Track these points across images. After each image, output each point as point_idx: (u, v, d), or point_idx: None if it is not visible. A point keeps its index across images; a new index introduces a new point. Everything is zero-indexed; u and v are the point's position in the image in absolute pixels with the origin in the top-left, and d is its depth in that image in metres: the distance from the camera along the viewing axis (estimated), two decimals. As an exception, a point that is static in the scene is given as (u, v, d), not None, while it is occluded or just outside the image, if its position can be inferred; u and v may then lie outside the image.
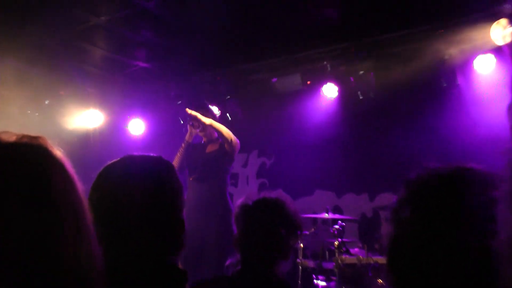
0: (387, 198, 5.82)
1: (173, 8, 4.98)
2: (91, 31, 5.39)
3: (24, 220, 0.85)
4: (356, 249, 4.85)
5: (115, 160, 1.52)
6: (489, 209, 1.00)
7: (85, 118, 6.82)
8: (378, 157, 6.06)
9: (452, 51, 5.19)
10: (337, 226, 4.66)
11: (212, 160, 4.86)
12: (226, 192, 4.86)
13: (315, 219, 5.80)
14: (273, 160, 7.05)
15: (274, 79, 6.20)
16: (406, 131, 5.81)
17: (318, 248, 5.13)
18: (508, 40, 4.72)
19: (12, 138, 0.94)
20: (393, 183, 1.20)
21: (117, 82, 6.78)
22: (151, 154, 1.56)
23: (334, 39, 5.58)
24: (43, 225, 0.86)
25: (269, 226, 2.21)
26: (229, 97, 6.40)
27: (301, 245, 4.87)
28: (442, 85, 5.49)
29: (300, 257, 4.87)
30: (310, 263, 4.96)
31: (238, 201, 2.34)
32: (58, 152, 0.97)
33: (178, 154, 4.91)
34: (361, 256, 4.55)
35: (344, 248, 4.67)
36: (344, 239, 4.71)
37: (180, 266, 1.48)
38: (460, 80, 5.39)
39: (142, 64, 6.34)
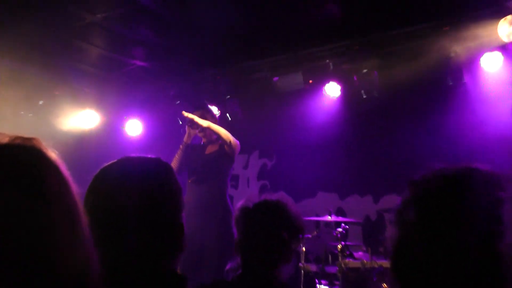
0: (391, 200, 5.81)
1: (171, 5, 4.98)
2: (87, 29, 5.40)
3: (17, 223, 0.85)
4: (360, 253, 4.85)
5: (112, 162, 1.52)
6: (496, 210, 1.00)
7: (80, 118, 6.82)
8: (382, 158, 6.06)
9: (458, 48, 5.19)
10: (340, 229, 4.66)
11: (212, 162, 4.86)
12: (226, 194, 4.86)
13: (317, 222, 5.80)
14: (274, 161, 7.05)
15: (275, 78, 6.20)
16: (411, 131, 5.81)
17: (320, 252, 5.13)
18: (515, 37, 4.73)
19: (5, 140, 0.94)
20: (398, 185, 1.20)
21: (114, 82, 6.78)
22: (149, 156, 1.56)
23: (337, 36, 5.58)
24: (37, 229, 0.86)
25: (271, 229, 2.21)
26: (229, 96, 6.40)
27: (303, 248, 4.87)
28: (448, 84, 5.50)
29: (302, 261, 4.87)
30: (313, 267, 4.96)
31: (239, 203, 2.34)
32: (53, 154, 0.97)
33: (176, 156, 4.91)
34: (365, 260, 4.55)
35: (347, 252, 4.67)
36: (347, 243, 4.72)
37: (179, 270, 1.48)
38: (466, 78, 5.39)
39: (139, 63, 6.34)
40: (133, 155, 1.56)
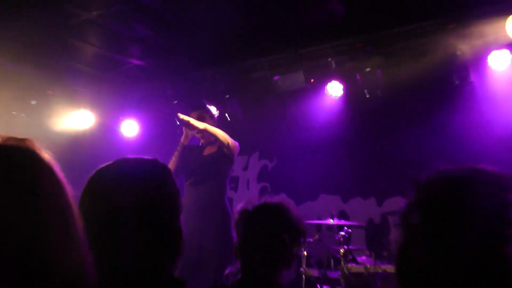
0: (396, 203, 5.80)
1: (169, 2, 4.99)
2: (82, 26, 5.40)
3: (10, 226, 0.85)
4: (363, 257, 4.85)
5: (107, 163, 1.52)
6: (503, 213, 1.00)
7: (75, 119, 6.82)
8: (386, 159, 6.05)
9: (464, 46, 5.19)
10: (343, 233, 4.66)
11: (210, 163, 4.86)
12: (225, 196, 4.86)
13: (319, 225, 5.79)
14: (275, 162, 7.05)
15: (276, 77, 6.20)
16: (415, 131, 5.81)
17: (322, 256, 5.13)
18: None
19: (-3, 140, 0.94)
20: (402, 187, 1.20)
21: (110, 81, 6.78)
22: (146, 157, 1.56)
23: (339, 34, 5.58)
24: (30, 231, 0.87)
25: (271, 232, 2.21)
26: (228, 96, 6.41)
27: (305, 253, 4.87)
28: (454, 82, 5.50)
29: (304, 266, 4.87)
30: (315, 272, 4.96)
31: (238, 206, 2.34)
32: (46, 155, 0.97)
33: (174, 158, 4.90)
34: (368, 265, 4.55)
35: (350, 256, 4.67)
36: (350, 247, 4.71)
37: (176, 274, 1.48)
38: (473, 77, 5.39)
39: (136, 62, 6.35)
40: (130, 156, 1.56)
